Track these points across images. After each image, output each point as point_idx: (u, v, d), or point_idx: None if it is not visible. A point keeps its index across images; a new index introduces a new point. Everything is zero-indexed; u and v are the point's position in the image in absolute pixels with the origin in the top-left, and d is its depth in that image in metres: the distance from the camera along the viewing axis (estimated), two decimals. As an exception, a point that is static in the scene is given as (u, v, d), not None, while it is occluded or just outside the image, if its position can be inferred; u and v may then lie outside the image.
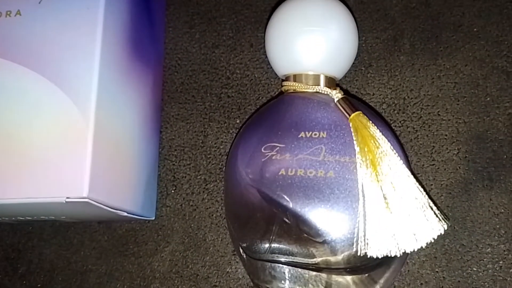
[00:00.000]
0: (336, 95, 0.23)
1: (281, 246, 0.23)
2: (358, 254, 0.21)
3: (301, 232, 0.22)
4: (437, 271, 0.25)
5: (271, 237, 0.23)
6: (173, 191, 0.31)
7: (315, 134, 0.23)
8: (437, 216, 0.21)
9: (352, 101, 0.23)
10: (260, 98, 0.30)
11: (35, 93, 0.24)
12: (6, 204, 0.23)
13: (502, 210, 0.25)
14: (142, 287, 0.30)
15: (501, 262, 0.24)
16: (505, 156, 0.25)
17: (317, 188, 0.22)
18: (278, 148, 0.23)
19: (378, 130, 0.22)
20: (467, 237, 0.25)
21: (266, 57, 0.31)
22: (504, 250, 0.24)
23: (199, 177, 0.30)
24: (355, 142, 0.22)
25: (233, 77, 0.31)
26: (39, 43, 0.25)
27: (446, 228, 0.21)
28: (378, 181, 0.21)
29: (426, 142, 0.27)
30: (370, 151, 0.21)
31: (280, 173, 0.22)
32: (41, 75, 0.24)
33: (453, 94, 0.27)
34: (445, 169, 0.26)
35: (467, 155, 0.26)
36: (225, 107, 0.31)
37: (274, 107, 0.25)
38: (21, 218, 0.27)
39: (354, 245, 0.21)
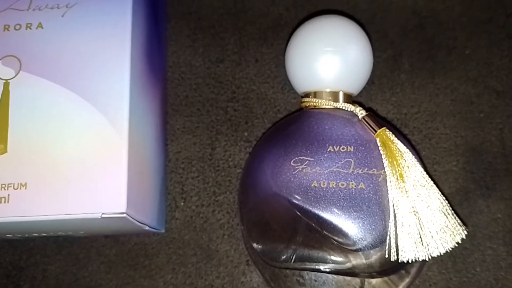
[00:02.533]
0: (361, 112, 0.25)
1: (308, 253, 0.24)
2: (390, 259, 0.22)
3: (334, 241, 0.23)
4: (443, 273, 0.27)
5: (297, 246, 0.24)
6: (182, 204, 0.31)
7: (343, 148, 0.24)
8: (458, 222, 0.23)
9: (376, 118, 0.25)
10: (267, 112, 0.31)
11: (66, 109, 0.24)
12: (41, 221, 0.22)
13: (500, 215, 0.28)
14: (156, 300, 0.30)
15: (501, 263, 0.27)
16: (498, 167, 0.28)
17: (350, 199, 0.23)
18: (307, 161, 0.24)
19: (402, 144, 0.24)
20: (470, 241, 0.27)
21: (272, 72, 0.32)
22: (504, 252, 0.27)
23: (208, 189, 0.31)
24: (383, 155, 0.23)
25: (239, 91, 0.32)
26: (64, 57, 0.25)
27: (466, 233, 0.23)
28: (406, 191, 0.23)
29: (427, 154, 0.29)
30: (398, 164, 0.23)
31: (313, 185, 0.24)
32: (70, 90, 0.24)
33: (449, 110, 0.30)
34: (445, 179, 0.29)
35: (465, 166, 0.29)
36: (232, 120, 0.32)
37: (297, 122, 0.26)
38: (35, 234, 0.27)
39: (387, 251, 0.22)
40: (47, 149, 0.23)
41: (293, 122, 0.26)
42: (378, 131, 0.24)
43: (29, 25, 0.25)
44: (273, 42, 0.32)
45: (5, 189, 0.23)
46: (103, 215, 0.22)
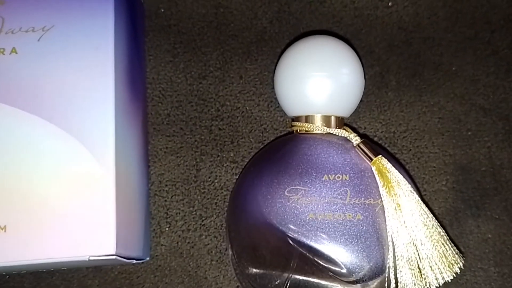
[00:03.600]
0: (355, 138, 0.24)
1: (302, 282, 0.24)
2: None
3: (331, 272, 0.23)
4: (436, 294, 0.27)
5: (291, 273, 0.24)
6: (167, 229, 0.30)
7: (338, 177, 0.24)
8: (455, 252, 0.23)
9: (371, 145, 0.24)
10: (253, 131, 0.31)
11: (45, 143, 0.22)
12: (22, 265, 0.21)
13: (490, 236, 0.28)
14: (143, 332, 0.29)
15: (493, 284, 0.27)
16: (488, 186, 0.28)
17: (347, 232, 0.23)
18: (302, 191, 0.23)
19: (398, 173, 0.23)
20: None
21: (257, 89, 0.31)
22: (495, 273, 0.27)
23: (194, 212, 0.30)
24: (379, 184, 0.23)
25: (223, 109, 0.31)
26: (42, 86, 0.23)
27: (463, 262, 0.23)
28: (404, 221, 0.22)
29: (416, 174, 0.29)
30: (395, 193, 0.23)
31: (308, 217, 0.23)
32: (49, 122, 0.22)
33: (437, 128, 0.29)
34: (435, 198, 0.29)
35: (454, 185, 0.29)
36: (216, 140, 0.31)
37: (289, 147, 0.25)
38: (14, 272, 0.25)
39: (386, 284, 0.22)
40: (26, 188, 0.22)
41: (285, 147, 0.25)
42: (374, 159, 0.23)
43: (1, 50, 0.23)
44: (257, 57, 0.31)
45: (-18, 233, 0.21)
46: (91, 258, 0.21)
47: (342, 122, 0.26)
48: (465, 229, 0.28)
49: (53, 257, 0.21)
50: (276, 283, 0.24)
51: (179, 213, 0.30)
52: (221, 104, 0.31)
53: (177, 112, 0.31)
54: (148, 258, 0.29)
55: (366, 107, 0.30)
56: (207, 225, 0.30)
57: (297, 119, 0.26)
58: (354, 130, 0.27)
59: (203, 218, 0.30)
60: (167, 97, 0.31)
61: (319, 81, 0.25)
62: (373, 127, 0.30)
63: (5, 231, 0.21)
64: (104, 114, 0.23)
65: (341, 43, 0.26)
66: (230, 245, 0.26)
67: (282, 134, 0.30)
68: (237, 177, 0.30)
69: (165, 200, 0.30)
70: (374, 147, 0.24)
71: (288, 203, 0.23)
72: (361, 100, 0.30)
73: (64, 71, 0.23)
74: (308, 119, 0.25)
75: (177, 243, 0.30)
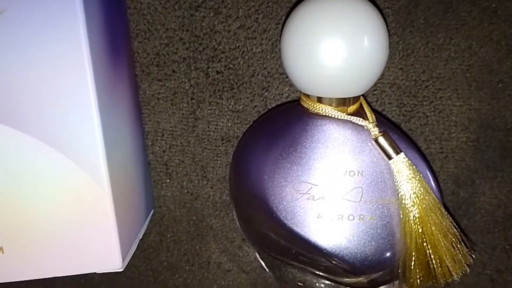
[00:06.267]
0: (374, 130, 0.21)
1: (307, 268, 0.24)
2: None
3: (339, 269, 0.22)
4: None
5: (297, 262, 0.24)
6: (168, 181, 0.29)
7: (352, 173, 0.22)
8: (468, 250, 0.22)
9: (391, 139, 0.21)
10: (256, 75, 0.27)
11: (29, 159, 0.19)
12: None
13: (503, 198, 0.27)
14: (153, 278, 0.30)
15: (499, 248, 0.27)
16: (509, 146, 0.26)
17: (358, 233, 0.22)
18: (312, 187, 0.22)
19: (417, 171, 0.21)
20: (471, 223, 0.27)
21: (259, 24, 0.26)
22: (500, 236, 0.27)
23: (194, 164, 0.28)
24: (397, 183, 0.21)
25: (220, 49, 0.27)
26: (8, 89, 0.19)
27: (473, 258, 0.22)
28: (419, 221, 0.21)
29: (435, 129, 0.27)
30: (413, 192, 0.21)
31: (318, 217, 0.22)
32: (26, 134, 0.19)
33: (465, 78, 0.26)
34: (452, 156, 0.27)
35: (475, 144, 0.26)
36: (214, 85, 0.27)
37: (300, 132, 0.22)
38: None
39: (398, 284, 0.22)
40: (19, 208, 0.20)
41: (295, 131, 0.22)
42: (394, 158, 0.21)
43: None
44: (259, -17, 0.26)
45: (-23, 255, 0.20)
46: (97, 272, 0.21)
47: (358, 101, 0.23)
48: (478, 190, 0.27)
49: (55, 275, 0.20)
50: (282, 257, 0.24)
51: (179, 164, 0.28)
52: (218, 42, 0.27)
53: (168, 51, 0.27)
54: (152, 211, 0.29)
55: (386, 51, 0.26)
56: (209, 177, 0.28)
57: (308, 97, 0.23)
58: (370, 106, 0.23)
59: (205, 170, 0.28)
60: (154, 32, 0.27)
61: (336, 59, 0.21)
62: (392, 74, 0.26)
63: (2, 253, 0.20)
64: (87, 116, 0.19)
65: (366, 5, 0.21)
66: (235, 212, 0.26)
67: (288, 79, 0.27)
68: (238, 128, 0.28)
69: (163, 151, 0.28)
70: (394, 143, 0.21)
71: (296, 201, 0.22)
72: (381, 43, 0.26)
73: (31, 67, 0.19)
74: (322, 100, 0.22)
75: (180, 193, 0.29)
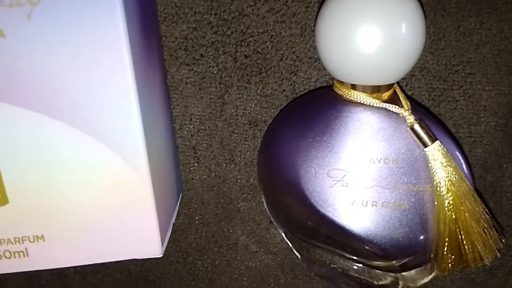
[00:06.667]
0: (410, 118, 0.21)
1: (337, 252, 0.24)
2: (434, 275, 0.23)
3: (372, 255, 0.23)
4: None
5: (327, 247, 0.24)
6: (196, 164, 0.29)
7: (386, 161, 0.22)
8: (499, 236, 0.23)
9: (427, 127, 0.21)
10: (284, 59, 0.27)
11: (64, 146, 0.20)
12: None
13: (529, 182, 0.27)
14: (182, 259, 0.30)
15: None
16: (538, 130, 0.26)
17: (392, 220, 0.22)
18: (345, 175, 0.22)
19: (452, 158, 0.21)
20: (497, 207, 0.27)
21: (289, 8, 0.26)
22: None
23: (222, 148, 0.29)
24: (432, 171, 0.21)
25: (249, 33, 0.27)
26: (44, 78, 0.19)
27: (504, 243, 0.23)
28: (453, 208, 0.21)
29: (465, 113, 0.27)
30: (448, 180, 0.21)
31: (351, 204, 0.22)
32: (62, 122, 0.19)
33: (495, 62, 0.26)
34: (481, 140, 0.27)
35: (503, 128, 0.27)
36: (242, 70, 0.27)
37: (334, 119, 0.22)
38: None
39: (429, 267, 0.23)
40: (59, 197, 0.20)
41: (329, 117, 0.23)
42: (430, 146, 0.21)
43: (-16, 33, 0.19)
44: (289, -35, 0.26)
45: (20, 243, 0.21)
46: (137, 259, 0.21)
47: (392, 87, 0.23)
48: (505, 174, 0.27)
49: (94, 262, 0.21)
50: (311, 240, 0.25)
51: (207, 148, 0.29)
52: (246, 25, 0.27)
53: (196, 35, 0.27)
54: (181, 194, 0.29)
55: (417, 35, 0.26)
56: (236, 161, 0.29)
57: (341, 83, 0.23)
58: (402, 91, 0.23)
59: (232, 154, 0.29)
60: (182, 16, 0.27)
61: (372, 44, 0.20)
62: (423, 58, 0.26)
63: (43, 240, 0.21)
64: (126, 104, 0.19)
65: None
66: (263, 195, 0.26)
67: (317, 63, 0.27)
68: (266, 112, 0.28)
69: (191, 135, 0.28)
70: (430, 131, 0.21)
71: (329, 187, 0.22)
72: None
73: (65, 54, 0.19)
74: (356, 87, 0.22)
75: (207, 177, 0.29)
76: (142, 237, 0.21)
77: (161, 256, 0.21)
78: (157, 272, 0.31)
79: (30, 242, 0.21)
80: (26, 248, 0.21)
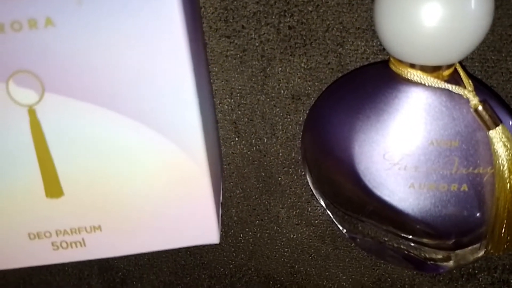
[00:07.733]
0: (473, 100, 0.21)
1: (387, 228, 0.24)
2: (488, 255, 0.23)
3: (424, 236, 0.23)
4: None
5: (377, 224, 0.24)
6: (236, 139, 0.28)
7: (446, 143, 0.21)
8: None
9: (492, 109, 0.21)
10: (330, 30, 0.26)
11: (121, 137, 0.19)
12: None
13: None
14: (223, 233, 0.30)
15: None
16: None
17: (450, 203, 0.22)
18: (403, 157, 0.21)
19: (514, 141, 0.21)
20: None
21: (335, -24, 0.25)
22: None
23: (263, 122, 0.28)
24: (495, 154, 0.21)
25: (293, 2, 0.25)
26: (100, 69, 0.18)
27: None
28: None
29: (517, 85, 0.26)
30: (510, 163, 0.21)
31: (409, 187, 0.22)
32: (117, 113, 0.19)
33: (555, 31, 0.25)
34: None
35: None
36: (285, 42, 0.26)
37: (392, 99, 0.22)
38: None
39: (485, 247, 0.22)
40: (117, 188, 0.20)
41: (386, 97, 0.22)
42: (495, 129, 0.20)
43: (33, 22, 0.18)
44: None
45: (77, 233, 0.20)
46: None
47: (453, 66, 0.22)
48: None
49: (151, 250, 0.21)
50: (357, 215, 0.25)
51: (248, 123, 0.28)
52: (290, -5, 0.25)
53: (236, 6, 0.25)
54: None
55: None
56: (278, 135, 0.28)
57: (399, 61, 0.22)
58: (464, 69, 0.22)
59: (274, 128, 0.28)
60: (221, -16, 0.25)
61: (437, 20, 0.19)
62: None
63: (100, 231, 0.20)
64: (185, 97, 0.19)
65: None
66: (308, 172, 0.26)
67: (365, 33, 0.25)
68: (309, 86, 0.27)
69: (232, 110, 0.28)
70: (494, 113, 0.21)
71: (386, 170, 0.22)
72: None
73: (123, 45, 0.18)
74: (414, 66, 0.21)
75: (248, 151, 0.28)
76: (200, 226, 0.21)
77: (217, 243, 0.21)
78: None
79: (87, 232, 0.20)
80: (83, 239, 0.20)
